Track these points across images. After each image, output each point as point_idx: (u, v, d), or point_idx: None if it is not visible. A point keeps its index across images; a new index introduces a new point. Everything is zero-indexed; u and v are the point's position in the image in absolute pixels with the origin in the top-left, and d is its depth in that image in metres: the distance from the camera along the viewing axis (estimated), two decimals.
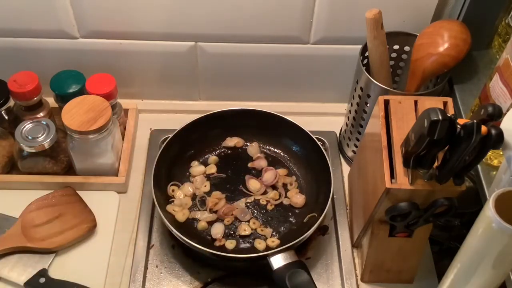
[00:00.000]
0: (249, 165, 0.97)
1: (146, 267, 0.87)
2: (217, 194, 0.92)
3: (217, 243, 0.87)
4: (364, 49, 0.87)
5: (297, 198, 0.92)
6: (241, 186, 0.94)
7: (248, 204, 0.92)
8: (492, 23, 0.87)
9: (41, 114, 0.93)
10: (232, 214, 0.90)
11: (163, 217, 0.84)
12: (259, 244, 0.86)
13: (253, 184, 0.94)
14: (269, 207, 0.92)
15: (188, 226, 0.89)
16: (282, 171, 0.96)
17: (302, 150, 0.97)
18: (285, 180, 0.95)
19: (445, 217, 0.72)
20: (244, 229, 0.89)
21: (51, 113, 0.95)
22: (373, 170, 0.77)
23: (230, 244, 0.87)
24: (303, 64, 1.01)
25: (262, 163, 0.96)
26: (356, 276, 0.88)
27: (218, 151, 0.99)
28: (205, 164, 0.97)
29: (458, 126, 0.61)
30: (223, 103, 1.05)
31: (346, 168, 1.01)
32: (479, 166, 0.76)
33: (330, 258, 0.89)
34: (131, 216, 0.93)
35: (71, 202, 0.91)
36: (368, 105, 0.88)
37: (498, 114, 0.60)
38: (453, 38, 0.81)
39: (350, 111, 0.95)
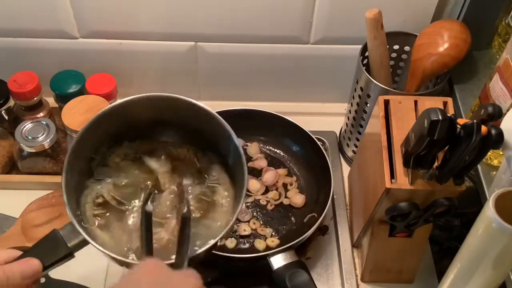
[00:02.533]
0: (249, 165, 0.96)
1: None
2: None
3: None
4: (364, 49, 0.87)
5: (297, 198, 0.92)
6: None
7: (248, 204, 0.92)
8: (492, 23, 0.87)
9: (41, 114, 0.93)
10: None
11: None
12: (259, 244, 0.86)
13: (253, 184, 0.93)
14: (269, 207, 0.92)
15: None
16: (282, 171, 0.96)
17: (302, 150, 0.97)
18: (285, 180, 0.95)
19: (445, 217, 0.72)
20: (244, 229, 0.89)
21: (51, 113, 0.95)
22: (373, 170, 0.77)
23: (230, 244, 0.87)
24: (303, 64, 1.01)
25: (262, 163, 0.96)
26: (356, 276, 0.88)
27: None
28: None
29: (458, 126, 0.61)
30: (223, 103, 1.05)
31: (346, 168, 1.01)
32: (479, 166, 0.76)
33: (330, 258, 0.89)
34: None
35: None
36: (368, 105, 0.88)
37: (498, 114, 0.60)
38: (453, 38, 0.81)
39: (350, 111, 0.95)
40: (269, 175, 0.94)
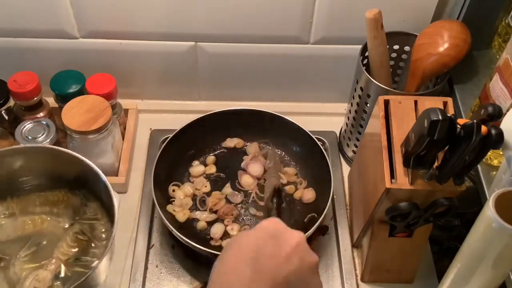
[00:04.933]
0: (242, 164, 0.97)
1: (146, 267, 0.87)
2: (217, 194, 0.92)
3: (213, 242, 0.87)
4: (364, 49, 0.87)
5: (307, 194, 0.93)
6: (236, 181, 0.95)
7: (246, 201, 0.92)
8: (492, 23, 0.87)
9: (41, 114, 0.93)
10: (232, 214, 0.90)
11: (163, 217, 0.84)
12: None
13: (245, 179, 0.94)
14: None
15: (188, 226, 0.89)
16: (291, 171, 0.96)
17: (302, 150, 0.97)
18: (296, 179, 0.96)
19: (445, 217, 0.72)
20: (232, 229, 0.89)
21: (51, 113, 0.95)
22: (373, 170, 0.77)
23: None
24: (303, 64, 1.01)
25: (258, 162, 0.96)
26: (356, 276, 0.88)
27: (218, 151, 0.99)
28: (205, 164, 0.97)
29: (458, 126, 0.61)
30: (223, 103, 1.05)
31: (346, 168, 1.01)
32: (479, 166, 0.76)
33: (330, 258, 0.89)
34: (131, 216, 0.93)
35: None
36: (368, 105, 0.88)
37: (498, 114, 0.60)
38: (453, 38, 0.81)
39: (350, 111, 0.95)
40: (255, 167, 0.94)
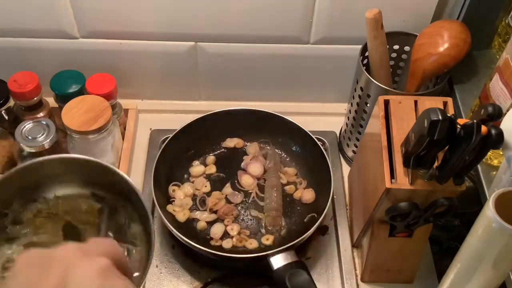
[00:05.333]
0: (242, 164, 0.97)
1: None
2: (217, 194, 0.92)
3: (213, 243, 0.87)
4: (364, 49, 0.87)
5: (307, 194, 0.93)
6: (236, 181, 0.95)
7: (246, 201, 0.92)
8: (492, 23, 0.87)
9: (41, 114, 0.93)
10: (232, 215, 0.90)
11: (163, 217, 0.84)
12: (250, 245, 0.87)
13: (245, 179, 0.94)
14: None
15: (188, 226, 0.89)
16: (291, 171, 0.96)
17: (302, 150, 0.97)
18: (296, 179, 0.96)
19: (445, 217, 0.72)
20: (232, 228, 0.89)
21: (51, 113, 0.95)
22: (373, 170, 0.77)
23: (227, 243, 0.87)
24: (303, 64, 1.01)
25: (258, 163, 0.96)
26: (356, 276, 0.88)
27: (218, 151, 0.99)
28: (205, 164, 0.97)
29: (458, 126, 0.61)
30: (223, 103, 1.05)
31: (346, 168, 1.01)
32: (479, 166, 0.76)
33: (330, 258, 0.89)
34: None
35: None
36: (368, 105, 0.88)
37: (498, 114, 0.60)
38: (453, 38, 0.81)
39: (350, 111, 0.95)
40: (255, 167, 0.95)
